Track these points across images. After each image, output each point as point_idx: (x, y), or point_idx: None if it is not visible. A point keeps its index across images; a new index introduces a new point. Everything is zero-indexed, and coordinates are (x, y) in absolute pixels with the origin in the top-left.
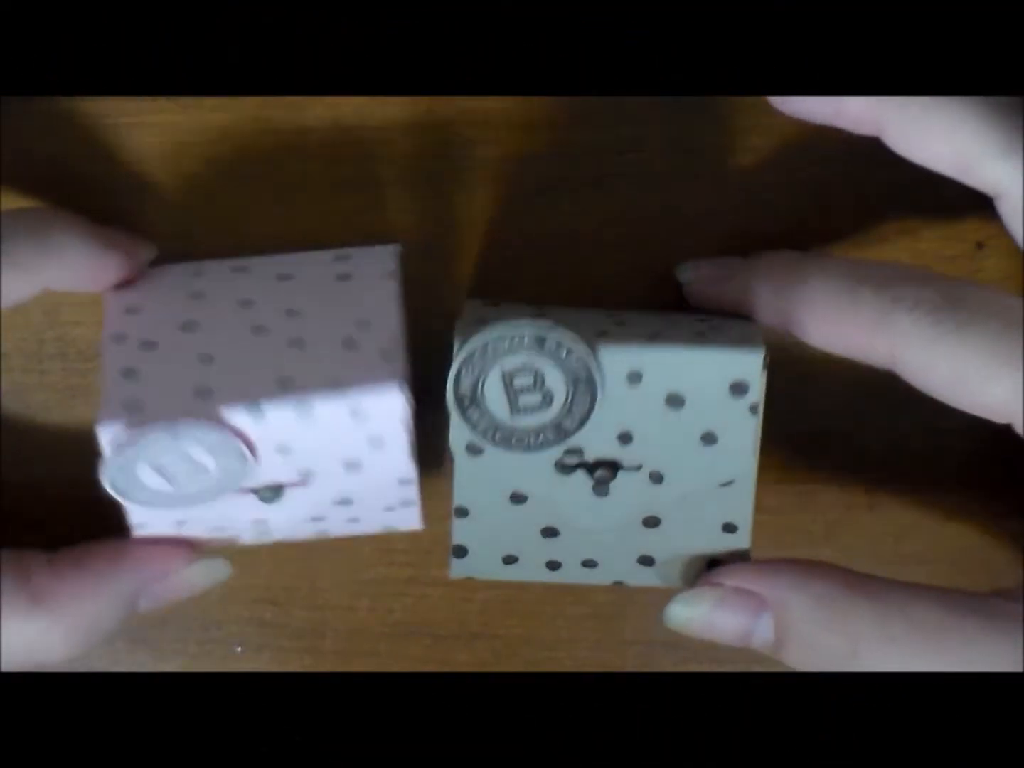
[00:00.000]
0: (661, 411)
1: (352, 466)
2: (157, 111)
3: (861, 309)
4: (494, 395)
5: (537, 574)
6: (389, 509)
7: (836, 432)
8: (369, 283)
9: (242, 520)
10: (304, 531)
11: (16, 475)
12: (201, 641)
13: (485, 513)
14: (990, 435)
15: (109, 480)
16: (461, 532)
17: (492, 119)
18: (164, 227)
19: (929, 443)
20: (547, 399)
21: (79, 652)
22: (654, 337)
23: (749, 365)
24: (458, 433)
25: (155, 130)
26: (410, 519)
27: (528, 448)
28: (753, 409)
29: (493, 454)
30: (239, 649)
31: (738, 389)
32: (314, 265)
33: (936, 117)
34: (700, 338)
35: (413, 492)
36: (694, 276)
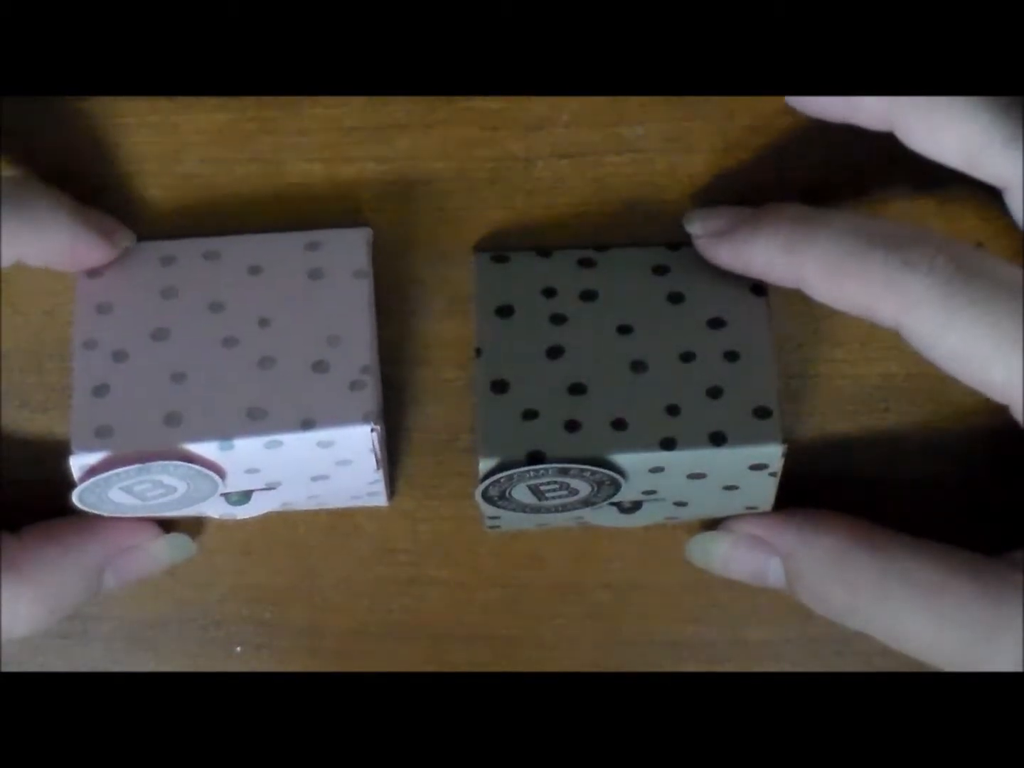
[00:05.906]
0: (685, 482)
1: (320, 478)
2: (157, 111)
3: (870, 270)
4: (521, 495)
5: None
6: (355, 497)
7: (836, 434)
8: (341, 284)
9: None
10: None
11: (16, 474)
12: (201, 641)
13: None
14: (989, 433)
15: (80, 501)
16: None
17: (492, 119)
18: (163, 227)
19: (929, 443)
20: (573, 494)
21: (43, 624)
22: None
23: (769, 454)
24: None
25: (155, 130)
26: (376, 499)
27: (556, 511)
28: (773, 473)
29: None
30: (239, 649)
31: (759, 467)
32: (285, 255)
33: (945, 112)
34: (714, 393)
35: (380, 487)
36: (701, 230)
